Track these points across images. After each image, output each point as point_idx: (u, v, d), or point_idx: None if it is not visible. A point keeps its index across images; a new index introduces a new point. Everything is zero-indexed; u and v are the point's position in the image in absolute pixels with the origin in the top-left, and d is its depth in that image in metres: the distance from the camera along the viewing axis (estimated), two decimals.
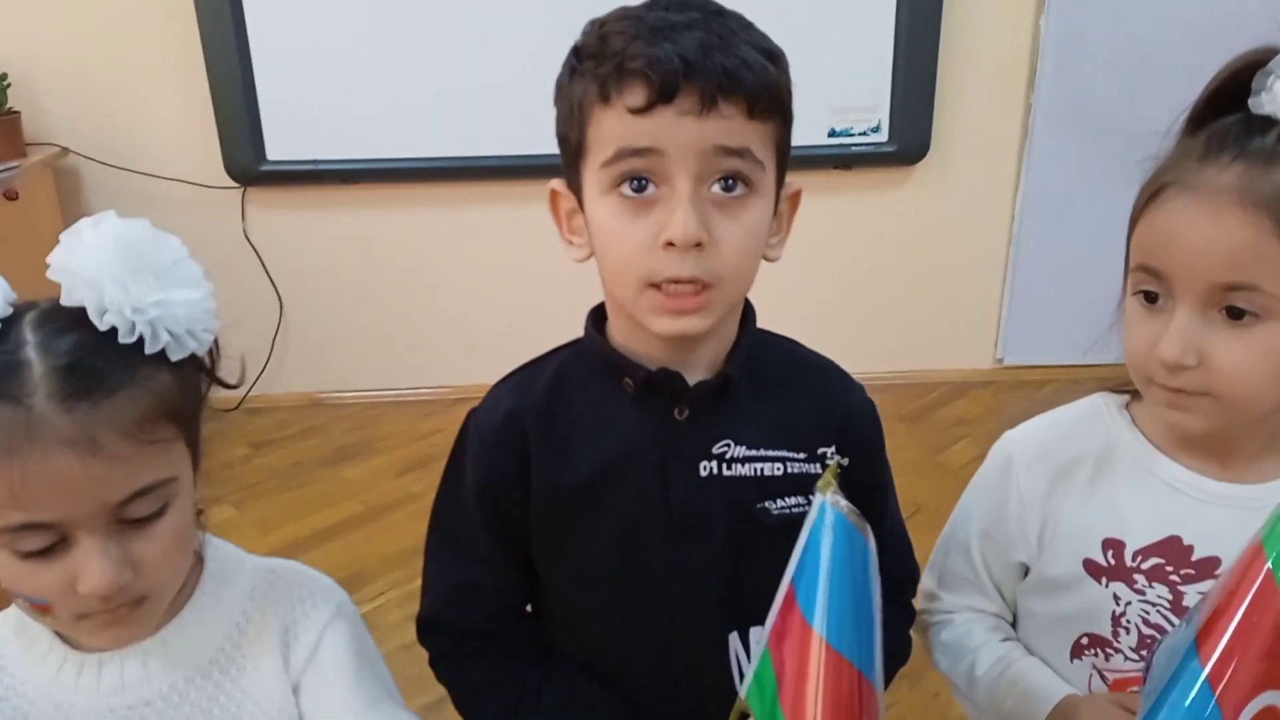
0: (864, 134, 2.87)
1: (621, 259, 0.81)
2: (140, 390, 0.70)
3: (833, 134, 2.85)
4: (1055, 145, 2.90)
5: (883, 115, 2.85)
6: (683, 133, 0.76)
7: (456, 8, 2.66)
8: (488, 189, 2.85)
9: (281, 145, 2.80)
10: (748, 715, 0.68)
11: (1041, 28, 2.81)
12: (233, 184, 2.85)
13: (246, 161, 2.80)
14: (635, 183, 0.79)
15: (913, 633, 1.06)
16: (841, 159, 2.88)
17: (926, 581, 1.07)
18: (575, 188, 0.85)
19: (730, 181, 0.79)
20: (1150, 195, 0.82)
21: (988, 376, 3.18)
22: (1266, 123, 0.78)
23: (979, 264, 3.10)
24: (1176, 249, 0.79)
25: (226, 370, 0.79)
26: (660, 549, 0.89)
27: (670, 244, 0.78)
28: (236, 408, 2.97)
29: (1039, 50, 2.84)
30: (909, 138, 2.88)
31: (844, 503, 0.64)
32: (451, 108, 2.70)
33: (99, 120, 2.80)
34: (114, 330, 0.69)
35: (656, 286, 0.80)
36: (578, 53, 0.82)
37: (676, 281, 0.79)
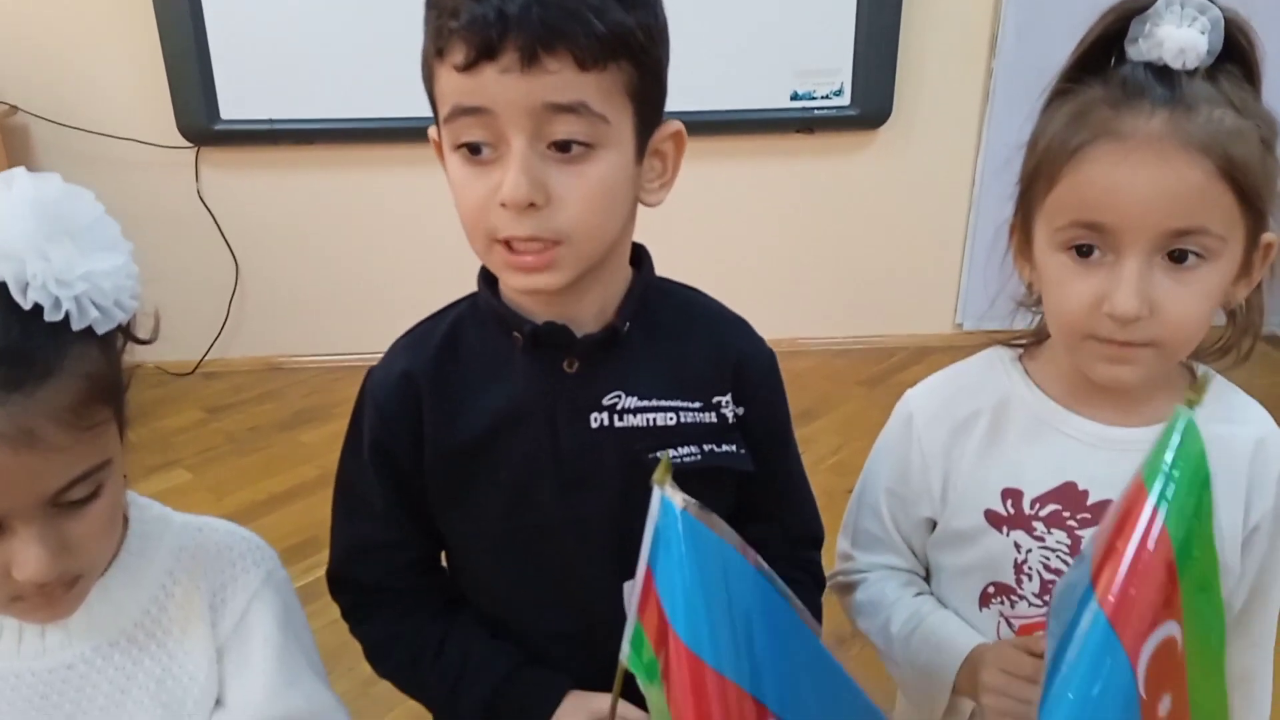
0: (826, 97, 2.85)
1: (467, 215, 0.81)
2: (72, 374, 0.66)
3: (795, 97, 2.84)
4: (1016, 110, 2.89)
5: (845, 79, 2.84)
6: (508, 91, 0.75)
7: None
8: None
9: (235, 104, 2.75)
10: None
11: None
12: (186, 144, 2.80)
13: (199, 121, 2.75)
14: (471, 148, 0.78)
15: (834, 594, 1.06)
16: (804, 122, 2.87)
17: (841, 543, 1.08)
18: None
19: (564, 145, 0.77)
20: (1071, 153, 0.81)
21: (947, 341, 3.20)
22: (1166, 71, 0.79)
23: (939, 229, 3.11)
24: (1123, 199, 0.78)
25: (140, 326, 0.76)
26: (551, 501, 0.89)
27: (505, 204, 0.77)
28: (192, 372, 2.95)
29: (1000, 15, 2.83)
30: (871, 101, 2.87)
31: (682, 496, 0.62)
32: (412, 65, 2.63)
33: (48, 77, 2.74)
34: (38, 307, 0.65)
35: (504, 243, 0.80)
36: (427, 2, 0.80)
37: (518, 239, 0.79)
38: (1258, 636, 0.98)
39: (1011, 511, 0.93)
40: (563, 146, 0.77)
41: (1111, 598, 0.61)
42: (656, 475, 0.62)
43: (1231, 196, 0.77)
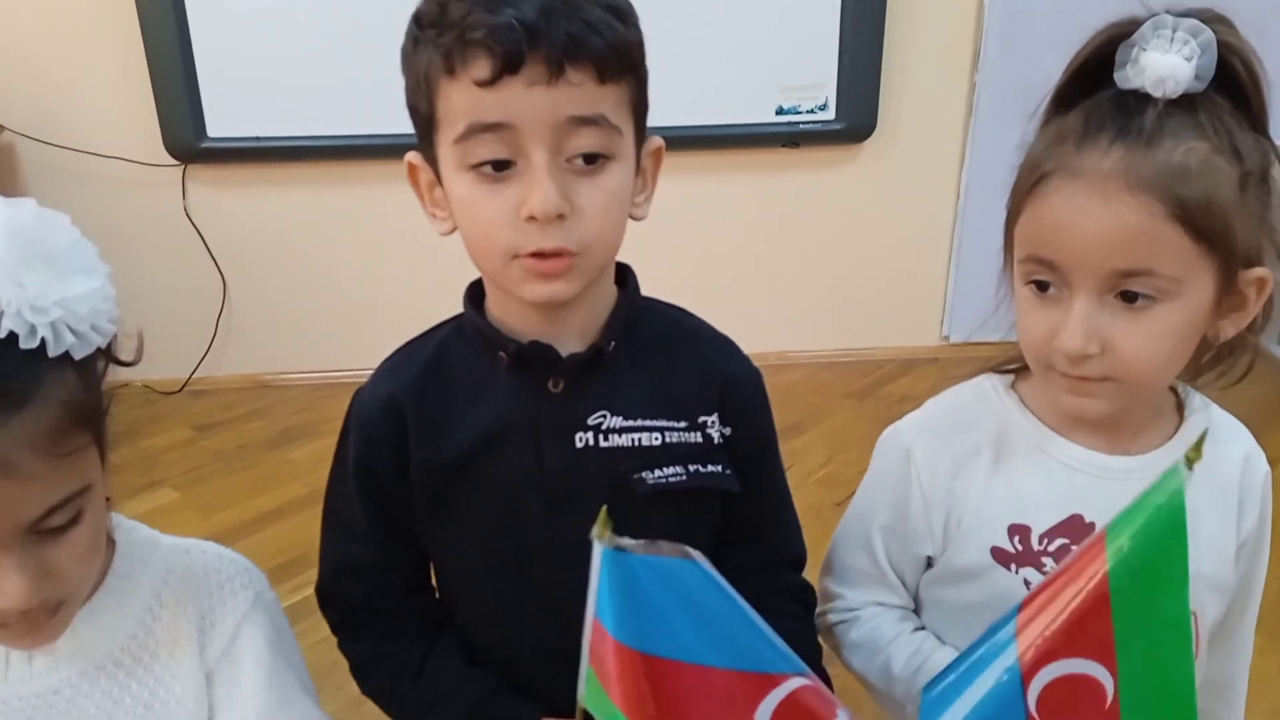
0: (811, 112, 2.87)
1: (483, 233, 0.81)
2: (48, 401, 0.66)
3: (780, 112, 2.85)
4: (1000, 123, 2.92)
5: (830, 93, 2.85)
6: (533, 104, 0.75)
7: None
8: None
9: (222, 122, 2.74)
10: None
11: (985, 5, 2.82)
12: (173, 161, 2.79)
13: (186, 138, 2.74)
14: (493, 165, 0.78)
15: (821, 633, 1.04)
16: (789, 137, 2.88)
17: (824, 581, 1.05)
18: (432, 160, 0.84)
19: (591, 156, 0.79)
20: (1032, 184, 0.80)
21: (934, 354, 3.20)
22: (1140, 100, 0.76)
23: (925, 241, 3.12)
24: (1069, 239, 0.77)
25: (123, 347, 0.76)
26: (536, 520, 0.89)
27: (532, 217, 0.77)
28: (179, 391, 2.94)
29: (983, 28, 2.85)
30: (856, 115, 2.88)
31: (630, 541, 0.62)
32: (399, 81, 2.62)
33: (34, 96, 2.73)
34: (12, 335, 0.64)
35: (525, 255, 0.80)
36: (419, 20, 0.80)
37: (542, 253, 0.79)
38: (1237, 645, 0.98)
39: (1020, 548, 0.91)
40: (589, 159, 0.78)
41: (1028, 629, 0.62)
42: (595, 530, 0.62)
43: (1185, 237, 0.75)
